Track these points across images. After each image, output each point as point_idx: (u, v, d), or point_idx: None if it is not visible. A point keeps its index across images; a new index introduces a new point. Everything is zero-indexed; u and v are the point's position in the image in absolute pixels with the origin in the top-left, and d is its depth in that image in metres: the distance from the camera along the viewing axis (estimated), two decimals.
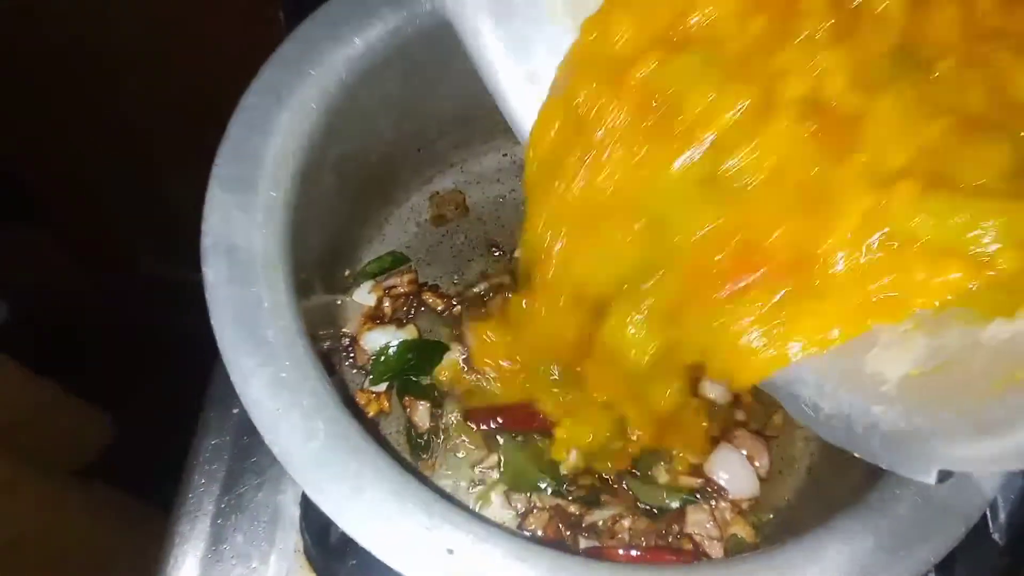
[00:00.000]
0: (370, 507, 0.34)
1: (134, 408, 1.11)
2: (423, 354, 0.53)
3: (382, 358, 0.53)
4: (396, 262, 0.57)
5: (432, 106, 0.53)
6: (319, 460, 0.34)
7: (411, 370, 0.53)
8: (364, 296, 0.55)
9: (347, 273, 0.56)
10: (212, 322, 0.36)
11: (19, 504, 0.86)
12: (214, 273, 0.37)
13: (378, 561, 0.49)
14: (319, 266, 0.49)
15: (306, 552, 0.53)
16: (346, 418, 0.36)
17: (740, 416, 0.52)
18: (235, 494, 0.54)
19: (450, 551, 0.33)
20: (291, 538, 0.53)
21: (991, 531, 0.55)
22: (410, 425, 0.53)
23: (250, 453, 0.55)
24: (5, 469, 0.83)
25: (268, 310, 0.37)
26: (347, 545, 0.51)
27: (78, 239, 1.28)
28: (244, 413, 0.56)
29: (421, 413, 0.53)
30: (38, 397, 0.96)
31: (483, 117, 0.55)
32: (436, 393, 0.53)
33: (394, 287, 0.55)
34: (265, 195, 0.40)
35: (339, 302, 0.54)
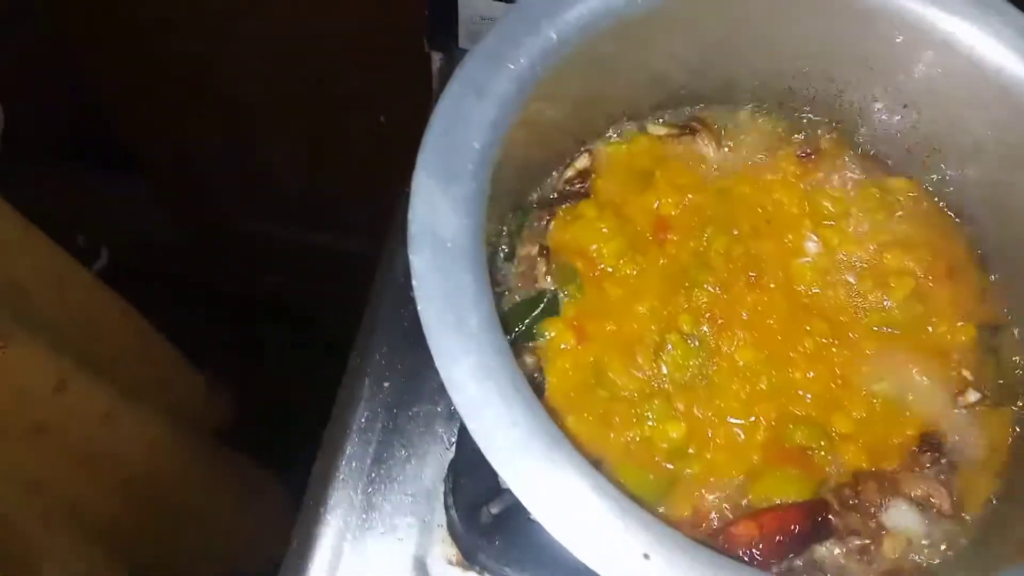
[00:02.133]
0: (569, 502, 0.35)
1: (255, 376, 1.15)
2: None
3: None
4: None
5: (605, 95, 0.53)
6: (520, 447, 0.35)
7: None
8: None
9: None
10: (419, 307, 0.37)
11: (129, 439, 0.89)
12: (420, 260, 0.38)
13: (521, 545, 0.51)
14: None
15: (450, 529, 0.55)
16: (541, 408, 0.37)
17: None
18: (385, 465, 0.56)
19: (646, 556, 0.34)
20: (436, 513, 0.55)
21: None
22: None
23: (400, 427, 0.57)
24: (107, 400, 0.86)
25: (471, 299, 0.38)
26: (495, 527, 0.52)
27: (178, 195, 1.33)
28: (395, 387, 0.59)
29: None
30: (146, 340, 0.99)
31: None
32: None
33: None
34: (467, 186, 0.41)
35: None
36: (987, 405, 0.50)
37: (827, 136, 0.57)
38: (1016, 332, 0.52)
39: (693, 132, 0.56)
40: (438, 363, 0.37)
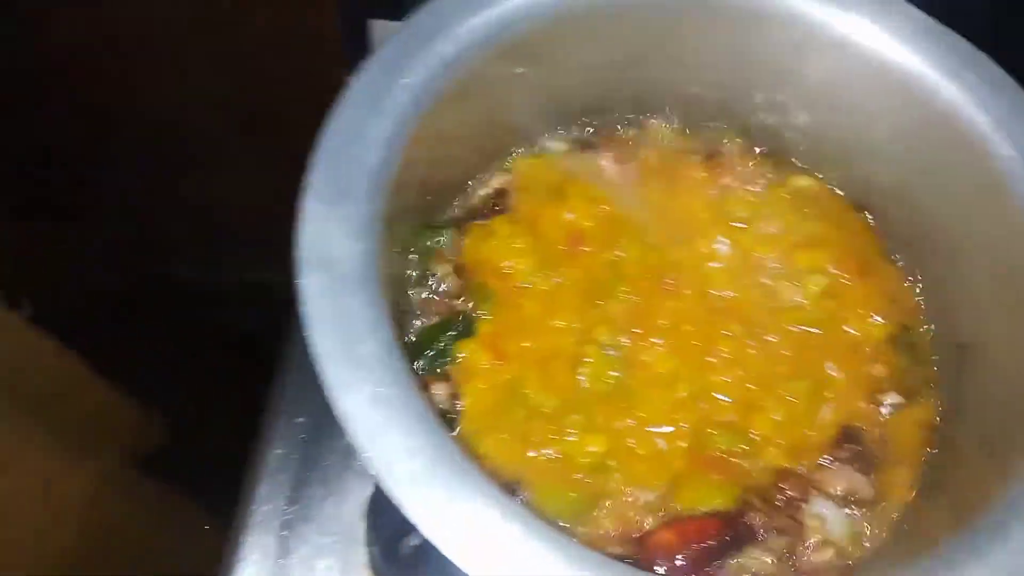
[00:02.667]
0: (472, 529, 0.33)
1: (187, 411, 1.12)
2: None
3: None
4: None
5: (514, 111, 0.53)
6: (420, 478, 0.34)
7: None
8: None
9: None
10: (308, 334, 0.36)
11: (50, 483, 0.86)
12: (310, 286, 0.37)
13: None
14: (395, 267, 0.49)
15: (372, 566, 0.52)
16: (444, 436, 0.35)
17: None
18: (301, 505, 0.53)
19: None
20: (358, 551, 0.53)
21: None
22: None
23: (317, 463, 0.55)
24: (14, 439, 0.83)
25: (365, 324, 0.36)
26: (417, 560, 0.50)
27: (113, 239, 1.29)
28: (310, 423, 0.57)
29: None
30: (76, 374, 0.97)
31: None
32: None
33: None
34: (360, 206, 0.39)
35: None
36: (904, 403, 0.50)
37: (735, 141, 0.57)
38: (929, 328, 0.52)
39: (594, 147, 0.56)
40: (330, 394, 0.35)
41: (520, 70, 0.49)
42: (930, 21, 0.47)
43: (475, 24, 0.45)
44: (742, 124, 0.56)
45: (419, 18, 0.45)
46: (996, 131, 0.45)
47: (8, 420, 0.80)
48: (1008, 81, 0.46)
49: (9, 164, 1.14)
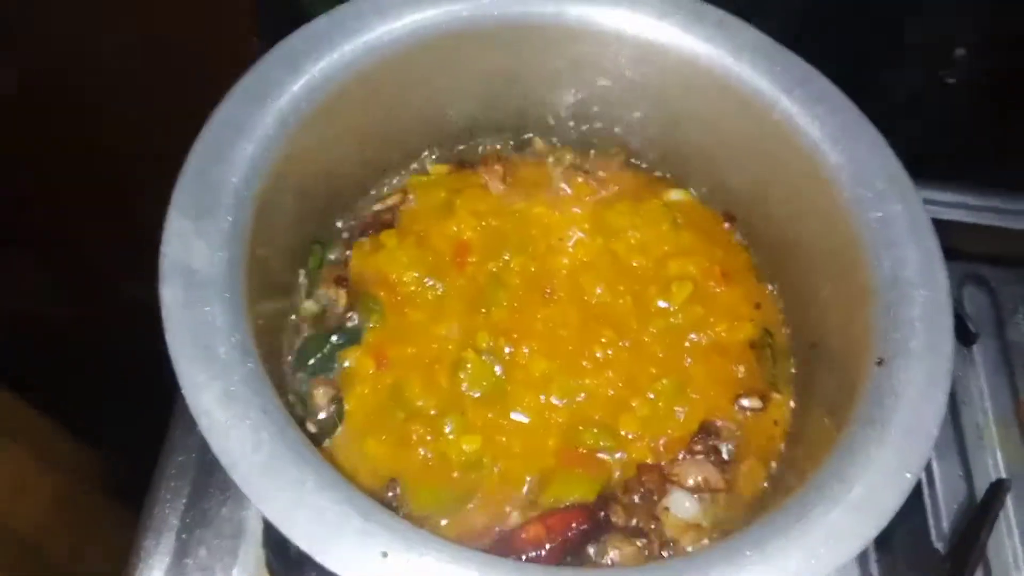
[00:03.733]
0: (311, 515, 0.36)
1: (113, 426, 1.13)
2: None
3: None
4: None
5: (393, 131, 0.56)
6: (264, 470, 0.36)
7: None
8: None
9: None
10: (167, 339, 0.38)
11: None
12: (171, 294, 0.39)
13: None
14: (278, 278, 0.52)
15: (268, 566, 0.55)
16: (292, 430, 0.38)
17: None
18: (200, 509, 0.56)
19: (384, 554, 0.35)
20: (254, 552, 0.55)
21: (933, 540, 0.57)
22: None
23: (215, 470, 0.57)
24: None
25: (221, 329, 0.39)
26: (304, 558, 0.53)
27: (56, 264, 1.30)
28: None
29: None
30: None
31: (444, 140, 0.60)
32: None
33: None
34: (222, 221, 0.42)
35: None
36: (761, 406, 0.53)
37: (613, 157, 0.61)
38: (787, 332, 0.56)
39: (477, 164, 0.59)
40: (184, 392, 0.38)
41: (392, 93, 0.52)
42: (768, 40, 0.51)
43: (344, 49, 0.49)
44: (614, 140, 0.60)
45: (288, 42, 0.48)
46: (825, 140, 0.49)
47: None
48: (838, 95, 0.50)
49: None
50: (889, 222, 0.46)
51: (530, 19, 0.54)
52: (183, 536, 0.55)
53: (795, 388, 0.52)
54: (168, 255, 0.40)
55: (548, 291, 0.56)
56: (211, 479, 0.56)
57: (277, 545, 0.53)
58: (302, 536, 0.35)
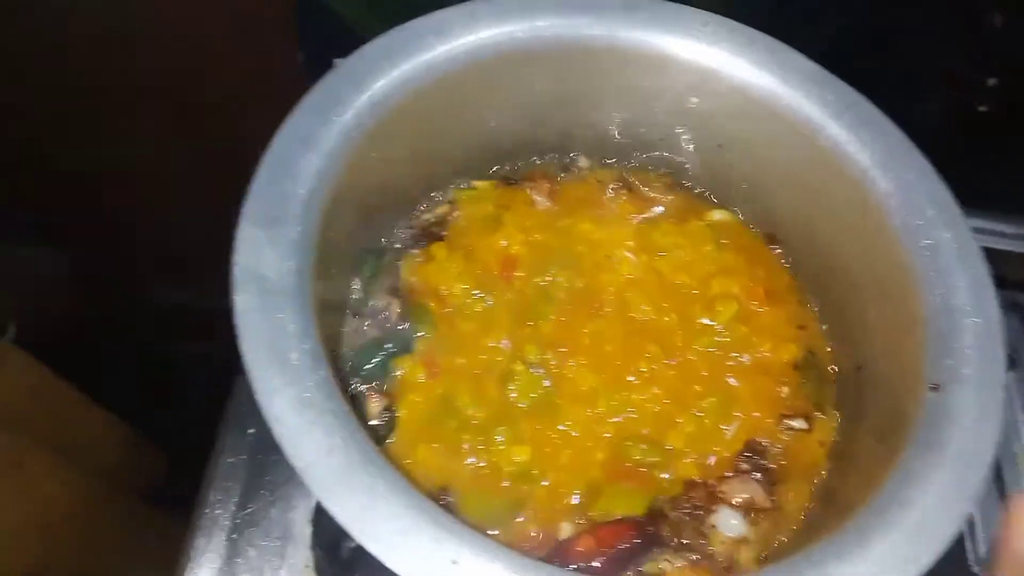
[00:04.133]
0: (382, 519, 0.37)
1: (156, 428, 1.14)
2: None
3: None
4: None
5: (444, 146, 0.57)
6: (337, 474, 0.37)
7: None
8: None
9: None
10: (240, 345, 0.40)
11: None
12: (244, 301, 0.41)
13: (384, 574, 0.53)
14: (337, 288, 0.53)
15: (316, 567, 0.56)
16: (362, 435, 0.39)
17: None
18: (249, 511, 0.57)
19: (454, 562, 0.36)
20: (302, 554, 0.56)
21: (971, 564, 0.58)
22: None
23: (264, 471, 0.58)
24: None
25: (293, 336, 0.40)
26: (356, 560, 0.54)
27: (91, 265, 1.32)
28: (259, 434, 0.60)
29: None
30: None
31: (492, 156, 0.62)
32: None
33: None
34: (291, 231, 0.43)
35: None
36: (807, 427, 0.54)
37: (658, 177, 0.62)
38: (831, 354, 0.56)
39: (525, 181, 0.61)
40: (258, 397, 0.39)
41: (446, 110, 0.54)
42: (816, 67, 0.53)
43: (404, 67, 0.50)
44: (665, 162, 0.61)
45: (351, 62, 0.50)
46: (874, 167, 0.50)
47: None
48: (886, 122, 0.51)
49: None
50: (939, 249, 0.47)
51: (583, 42, 0.56)
52: (233, 536, 0.56)
53: (840, 410, 0.53)
54: (240, 263, 0.42)
55: (595, 306, 0.57)
56: (261, 481, 0.58)
57: (328, 547, 0.54)
58: (373, 540, 0.36)
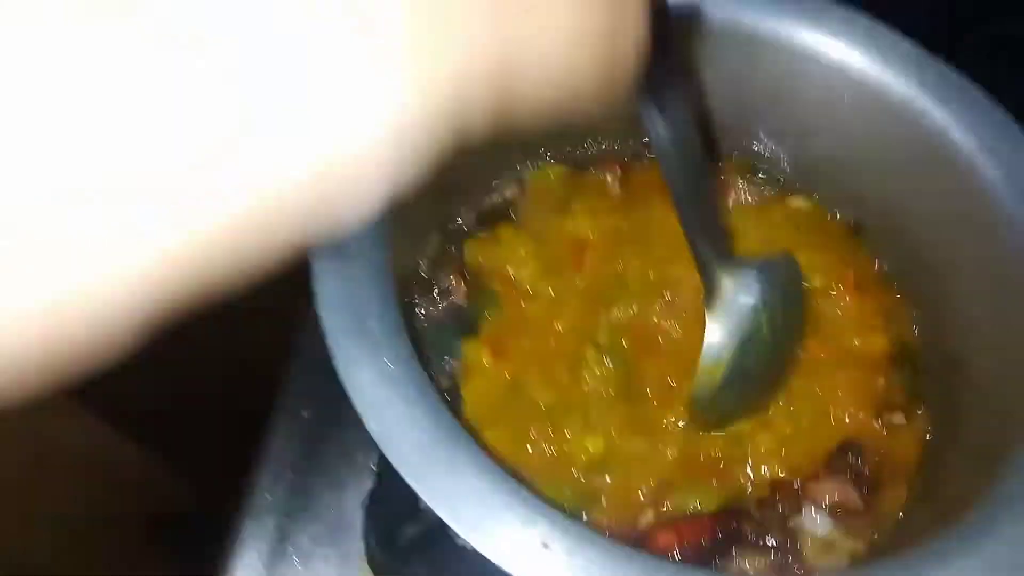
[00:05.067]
0: (468, 497, 0.34)
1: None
2: None
3: None
4: None
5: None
6: (421, 449, 0.35)
7: None
8: None
9: None
10: (320, 314, 0.38)
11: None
12: (323, 268, 0.39)
13: (439, 567, 0.50)
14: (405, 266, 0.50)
15: (368, 557, 0.53)
16: (446, 411, 0.37)
17: None
18: (303, 496, 0.55)
19: (545, 545, 0.34)
20: (354, 542, 0.54)
21: None
22: None
23: (315, 456, 0.56)
24: None
25: (374, 305, 0.38)
26: (412, 549, 0.51)
27: None
28: (313, 417, 0.58)
29: None
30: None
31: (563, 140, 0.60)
32: None
33: None
34: None
35: None
36: (904, 422, 0.51)
37: (733, 161, 0.60)
38: (924, 345, 0.53)
39: (598, 164, 0.59)
40: (340, 369, 0.37)
41: None
42: (918, 50, 0.50)
43: None
44: (739, 145, 0.59)
45: None
46: (981, 153, 0.47)
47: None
48: (991, 107, 0.48)
49: None
50: None
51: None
52: (284, 522, 0.54)
53: (939, 406, 0.50)
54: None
55: (668, 295, 0.55)
56: (315, 466, 0.55)
57: (384, 534, 0.51)
58: (460, 520, 0.34)
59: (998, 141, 0.47)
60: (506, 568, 0.33)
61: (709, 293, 0.46)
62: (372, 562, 0.53)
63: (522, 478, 0.36)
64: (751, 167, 0.59)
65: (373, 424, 0.35)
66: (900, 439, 0.50)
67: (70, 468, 0.84)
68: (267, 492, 0.55)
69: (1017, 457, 0.38)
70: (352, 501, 0.55)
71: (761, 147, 0.58)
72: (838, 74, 0.52)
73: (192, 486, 1.07)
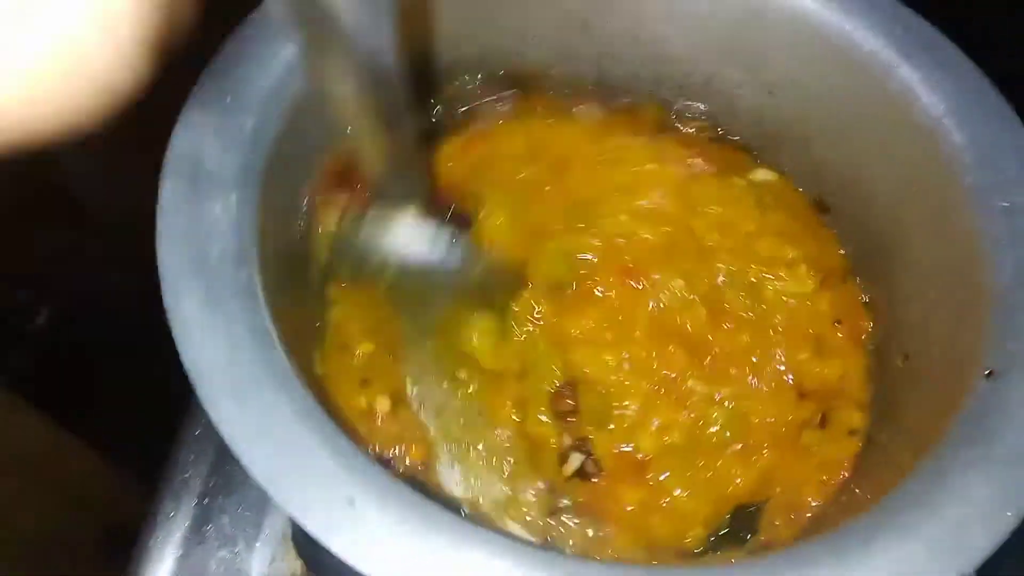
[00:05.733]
0: (275, 445, 0.31)
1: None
2: None
3: None
4: None
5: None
6: (235, 389, 0.32)
7: None
8: None
9: None
10: (157, 237, 0.35)
11: None
12: (171, 187, 0.36)
13: None
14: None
15: (294, 538, 0.50)
16: (278, 352, 0.33)
17: None
18: (224, 474, 0.52)
19: (351, 502, 0.30)
20: (279, 523, 0.51)
21: None
22: None
23: None
24: None
25: (221, 233, 0.35)
26: None
27: (122, 245, 1.29)
28: None
29: None
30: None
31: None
32: None
33: None
34: (245, 121, 0.38)
35: None
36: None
37: (698, 123, 0.54)
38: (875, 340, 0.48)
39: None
40: (164, 294, 0.33)
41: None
42: (889, 1, 0.44)
43: None
44: (703, 105, 0.53)
45: None
46: (948, 115, 0.41)
47: None
48: (968, 66, 0.42)
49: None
50: (1017, 213, 0.38)
51: None
52: (204, 501, 0.51)
53: (878, 405, 0.45)
54: (176, 147, 0.37)
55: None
56: None
57: None
58: (261, 471, 0.30)
59: (968, 105, 0.41)
60: (307, 527, 0.30)
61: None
62: (296, 542, 0.50)
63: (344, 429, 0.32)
64: (709, 128, 0.54)
65: (188, 357, 0.32)
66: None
67: (16, 471, 0.82)
68: (188, 472, 0.52)
69: (937, 456, 0.33)
70: None
71: (721, 106, 0.53)
72: (802, 25, 0.46)
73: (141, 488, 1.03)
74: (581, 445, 0.45)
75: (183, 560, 0.50)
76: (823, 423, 0.45)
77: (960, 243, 0.40)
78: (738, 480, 0.44)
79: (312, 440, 0.31)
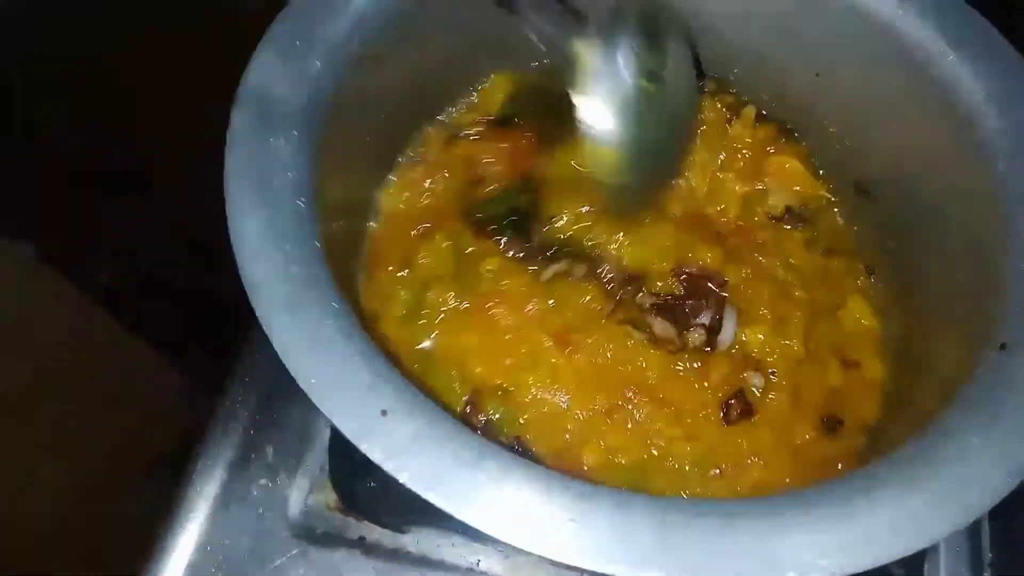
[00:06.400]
0: (320, 356, 0.33)
1: None
2: None
3: None
4: None
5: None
6: (286, 303, 0.34)
7: None
8: None
9: None
10: (226, 161, 0.37)
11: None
12: (241, 119, 0.38)
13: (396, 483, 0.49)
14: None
15: (331, 472, 0.53)
16: (325, 271, 0.36)
17: None
18: (271, 409, 0.55)
19: (384, 412, 0.32)
20: (319, 458, 0.54)
21: None
22: None
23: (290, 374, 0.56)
24: None
25: (283, 162, 0.38)
26: (368, 467, 0.50)
27: (182, 215, 1.33)
28: None
29: None
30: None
31: None
32: None
33: None
34: (311, 66, 0.41)
35: None
36: None
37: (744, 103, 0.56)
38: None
39: None
40: (229, 214, 0.36)
41: None
42: None
43: None
44: (751, 87, 0.55)
45: None
46: (987, 103, 0.42)
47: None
48: (1014, 55, 0.43)
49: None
50: None
51: None
52: (251, 433, 0.54)
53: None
54: (248, 83, 0.39)
55: None
56: (285, 382, 0.55)
57: (341, 451, 0.51)
58: (308, 378, 0.33)
59: (1010, 93, 0.42)
60: (343, 431, 0.32)
61: (571, 70, 0.41)
62: (333, 477, 0.53)
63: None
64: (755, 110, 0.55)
65: (246, 271, 0.35)
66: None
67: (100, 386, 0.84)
68: (238, 404, 0.55)
69: (942, 418, 0.34)
70: (322, 418, 0.54)
71: (769, 88, 0.54)
72: (851, 11, 0.47)
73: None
74: None
75: (228, 485, 0.53)
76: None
77: (988, 226, 0.41)
78: None
79: (355, 355, 0.34)
